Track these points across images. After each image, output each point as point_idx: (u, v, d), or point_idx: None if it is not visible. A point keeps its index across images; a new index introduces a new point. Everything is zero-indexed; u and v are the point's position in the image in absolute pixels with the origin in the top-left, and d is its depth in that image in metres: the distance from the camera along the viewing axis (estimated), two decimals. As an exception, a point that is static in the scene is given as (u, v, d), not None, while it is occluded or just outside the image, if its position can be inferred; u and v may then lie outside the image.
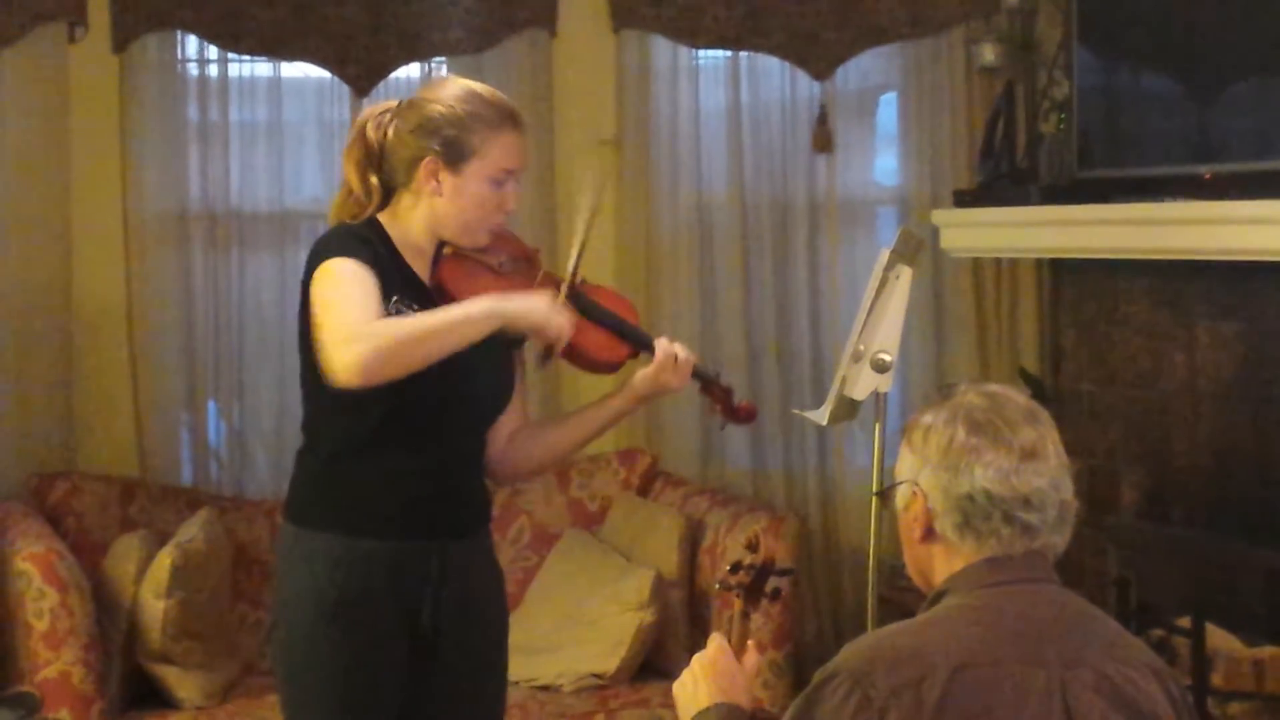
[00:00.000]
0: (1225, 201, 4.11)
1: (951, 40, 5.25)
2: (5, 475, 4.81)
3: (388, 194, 2.89)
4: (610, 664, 4.47)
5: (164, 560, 4.31)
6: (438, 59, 5.12)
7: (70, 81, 4.90)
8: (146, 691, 4.36)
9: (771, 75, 5.27)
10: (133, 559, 4.38)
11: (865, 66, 5.32)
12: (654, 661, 4.55)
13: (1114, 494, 4.83)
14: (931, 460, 2.10)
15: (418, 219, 2.86)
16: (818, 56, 5.21)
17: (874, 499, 3.39)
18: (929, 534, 2.12)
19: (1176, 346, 4.61)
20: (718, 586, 2.45)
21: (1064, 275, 5.15)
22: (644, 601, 4.49)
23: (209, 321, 5.01)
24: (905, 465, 2.15)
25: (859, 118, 5.40)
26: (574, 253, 2.93)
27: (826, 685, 2.00)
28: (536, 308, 2.75)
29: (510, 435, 3.02)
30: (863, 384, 3.38)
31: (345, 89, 5.04)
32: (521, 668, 4.21)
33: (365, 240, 2.80)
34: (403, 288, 2.81)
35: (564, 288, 2.88)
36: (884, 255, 3.42)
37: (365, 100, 4.98)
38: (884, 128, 5.47)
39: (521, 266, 2.95)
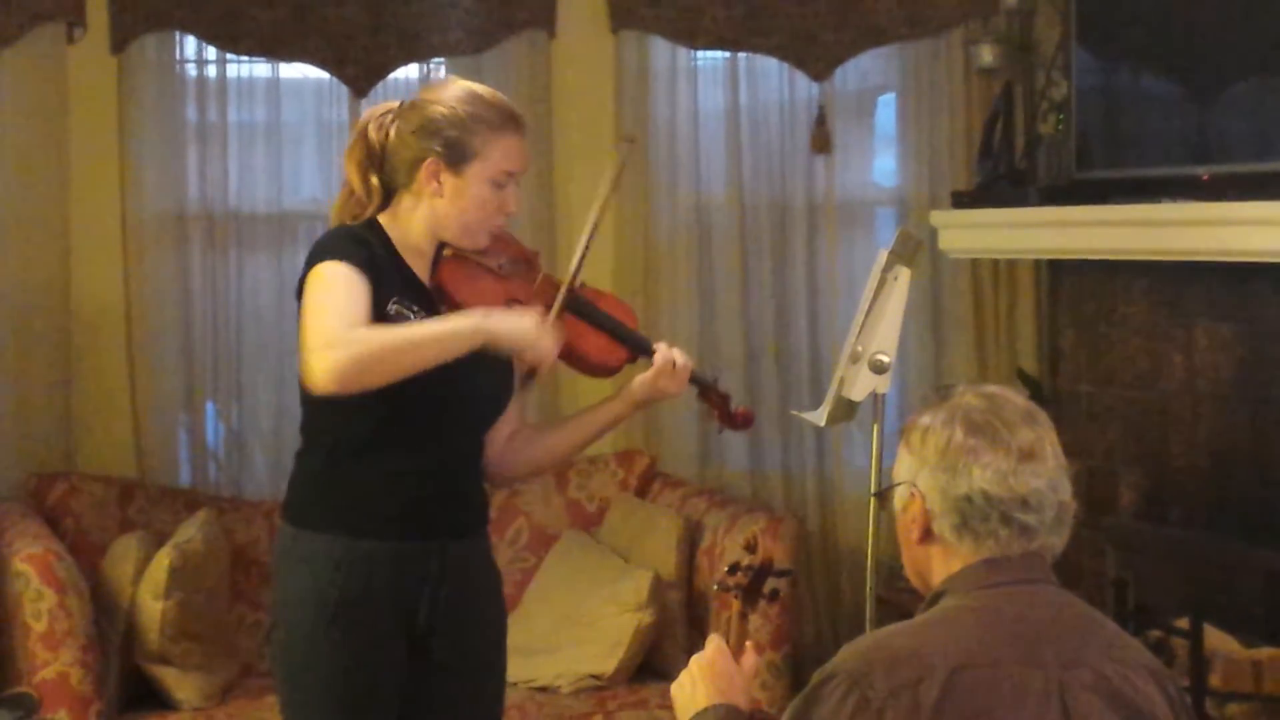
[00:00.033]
0: (1224, 203, 4.11)
1: (950, 41, 5.25)
2: (3, 476, 4.81)
3: (388, 195, 2.89)
4: (608, 665, 4.47)
5: (162, 561, 4.31)
6: (436, 60, 5.11)
7: (69, 82, 4.90)
8: (144, 692, 4.36)
9: (770, 76, 5.27)
10: (131, 560, 4.38)
11: (864, 67, 5.32)
12: (652, 662, 4.55)
13: (1112, 495, 4.83)
14: (929, 461, 2.10)
15: (418, 220, 2.86)
16: (816, 57, 5.21)
17: (872, 500, 3.39)
18: (927, 535, 2.12)
19: (1175, 347, 4.61)
20: (716, 587, 2.45)
21: (1062, 276, 5.15)
22: (642, 602, 4.49)
23: (207, 322, 5.01)
24: (903, 466, 2.15)
25: (857, 118, 5.40)
26: (577, 256, 2.93)
27: (825, 686, 2.00)
28: (523, 329, 2.73)
29: (508, 438, 3.02)
30: (861, 385, 3.37)
31: (344, 90, 5.04)
32: (520, 669, 4.22)
33: (363, 242, 2.80)
34: (402, 289, 2.81)
35: (559, 299, 2.87)
36: (882, 256, 3.41)
37: (364, 101, 4.98)
38: (882, 129, 5.47)
39: (521, 269, 2.95)
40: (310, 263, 2.76)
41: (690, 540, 4.70)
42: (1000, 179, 4.95)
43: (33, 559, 4.17)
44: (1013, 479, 2.06)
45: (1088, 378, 5.00)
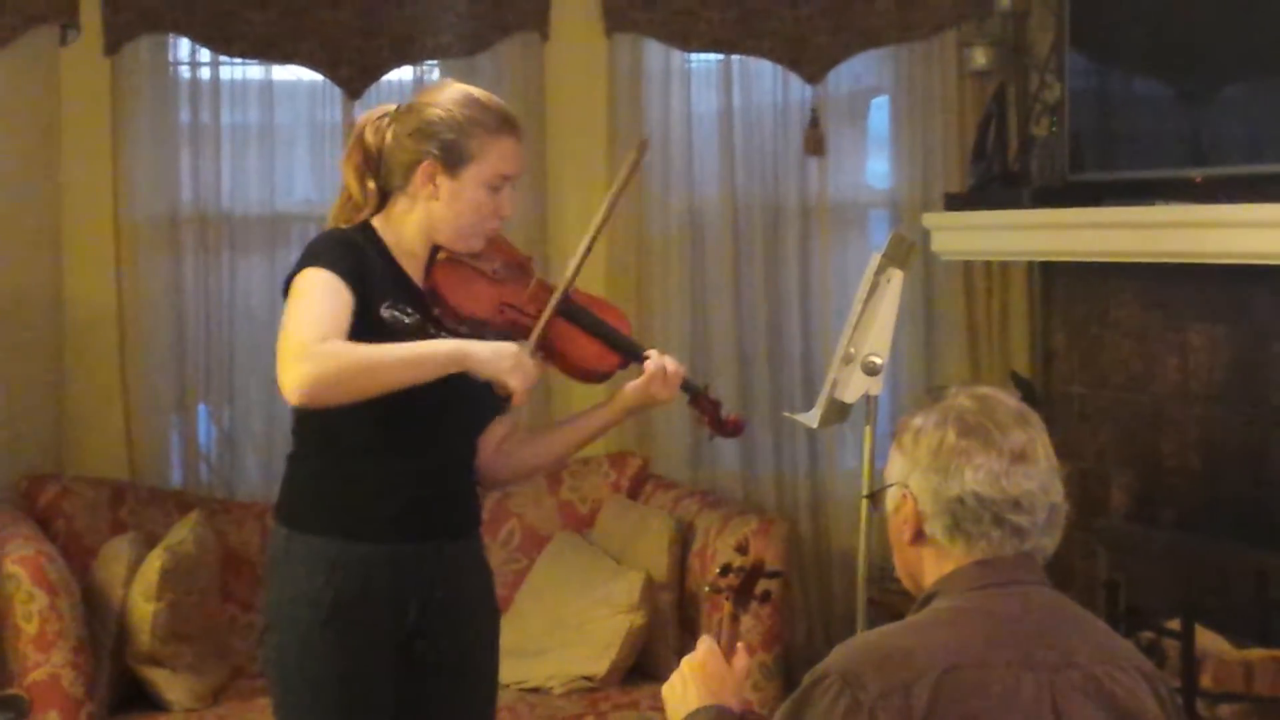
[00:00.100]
0: (1216, 205, 4.12)
1: (943, 43, 5.25)
2: (-5, 478, 4.81)
3: (384, 198, 2.89)
4: (600, 666, 4.47)
5: (153, 563, 4.30)
6: (430, 62, 5.11)
7: (62, 84, 4.90)
8: (136, 694, 4.36)
9: (763, 78, 5.27)
10: (122, 562, 4.37)
11: (857, 70, 5.33)
12: (644, 664, 4.55)
13: (1104, 496, 4.83)
14: (922, 463, 2.10)
15: (412, 223, 2.86)
16: (809, 60, 5.21)
17: (864, 501, 3.40)
18: (919, 536, 2.12)
19: (1167, 350, 4.62)
20: (707, 589, 2.46)
21: (1055, 278, 5.16)
22: (634, 604, 4.49)
23: (200, 324, 5.01)
24: (895, 468, 2.15)
25: (851, 121, 5.41)
26: (574, 261, 2.92)
27: (816, 687, 2.00)
28: (501, 360, 2.71)
29: (500, 441, 3.02)
30: (853, 387, 3.38)
31: (337, 92, 5.03)
32: (512, 670, 4.21)
33: (354, 245, 2.80)
34: (395, 292, 2.81)
35: (551, 305, 2.86)
36: (875, 258, 3.42)
37: (357, 103, 4.98)
38: (875, 131, 5.47)
39: (515, 273, 2.95)
40: (298, 266, 2.76)
41: (682, 542, 4.70)
42: (993, 181, 4.95)
43: (24, 561, 4.16)
44: (1005, 480, 2.07)
45: (1080, 379, 5.01)
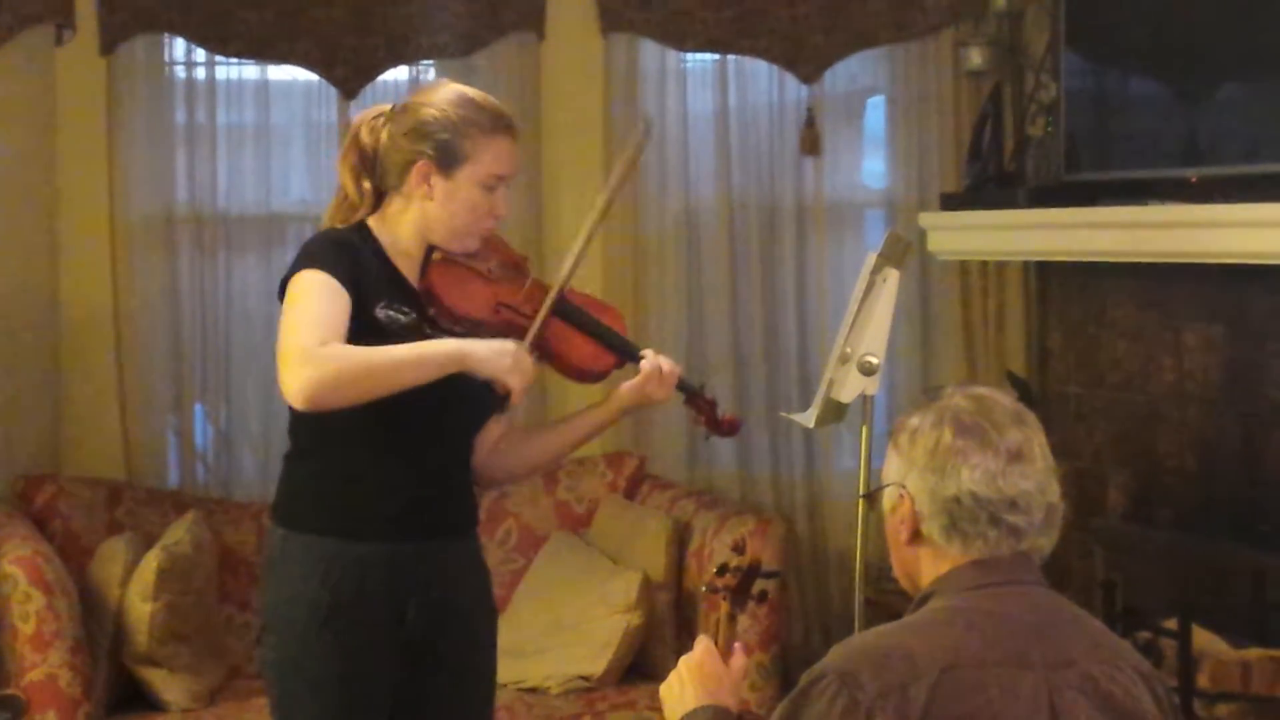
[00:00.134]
0: (1212, 205, 4.12)
1: (939, 43, 5.25)
2: (-9, 478, 4.81)
3: (379, 198, 2.89)
4: (597, 666, 4.47)
5: (150, 563, 4.30)
6: (425, 62, 5.11)
7: (57, 84, 4.89)
8: (133, 694, 4.36)
9: (759, 78, 5.27)
10: (119, 562, 4.37)
11: (853, 70, 5.33)
12: (641, 664, 4.55)
13: (1101, 496, 4.83)
14: (918, 463, 2.10)
15: (407, 223, 2.86)
16: (806, 60, 5.21)
17: (861, 501, 3.40)
18: (916, 536, 2.12)
19: (1163, 349, 4.62)
20: (704, 589, 2.45)
21: (1051, 278, 5.16)
22: (631, 604, 4.49)
23: (196, 324, 5.00)
24: (892, 468, 2.15)
25: (847, 121, 5.40)
26: (570, 261, 2.92)
27: (814, 687, 2.00)
28: (500, 359, 2.72)
29: (496, 440, 3.02)
30: (850, 387, 3.38)
31: (333, 91, 5.03)
32: (509, 670, 4.21)
33: (349, 246, 2.80)
34: (391, 292, 2.81)
35: (546, 305, 2.86)
36: (871, 258, 3.42)
37: (353, 103, 4.98)
38: (871, 131, 5.47)
39: (510, 273, 2.95)
40: (294, 267, 2.76)
41: (679, 541, 4.70)
42: (989, 181, 4.95)
43: (21, 561, 4.16)
44: (1001, 480, 2.07)
45: (1076, 379, 5.01)
